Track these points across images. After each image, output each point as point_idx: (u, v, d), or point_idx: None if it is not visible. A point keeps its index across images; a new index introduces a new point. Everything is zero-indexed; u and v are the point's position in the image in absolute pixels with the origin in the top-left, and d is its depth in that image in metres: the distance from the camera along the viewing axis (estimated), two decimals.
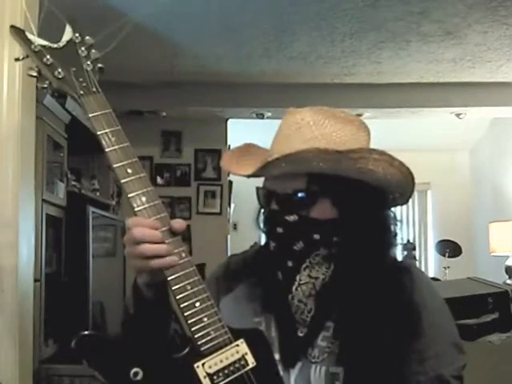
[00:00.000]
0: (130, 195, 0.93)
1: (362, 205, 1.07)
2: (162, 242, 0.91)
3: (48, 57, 0.95)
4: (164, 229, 0.93)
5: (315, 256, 1.07)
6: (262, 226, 1.13)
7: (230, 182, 5.15)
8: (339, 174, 1.04)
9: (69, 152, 3.15)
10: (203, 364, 0.90)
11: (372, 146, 1.12)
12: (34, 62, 0.96)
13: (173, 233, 0.93)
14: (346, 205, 1.07)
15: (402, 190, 1.10)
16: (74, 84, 0.96)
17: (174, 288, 0.91)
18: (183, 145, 5.02)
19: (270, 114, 4.70)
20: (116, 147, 0.94)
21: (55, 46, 0.97)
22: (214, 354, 0.91)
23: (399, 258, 1.19)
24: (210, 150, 5.00)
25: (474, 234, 6.40)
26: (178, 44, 3.67)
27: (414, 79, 4.38)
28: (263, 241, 1.16)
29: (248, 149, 1.18)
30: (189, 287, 0.91)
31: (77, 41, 0.98)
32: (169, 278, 0.91)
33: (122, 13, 2.98)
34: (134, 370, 0.90)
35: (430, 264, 6.80)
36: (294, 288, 1.08)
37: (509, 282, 4.32)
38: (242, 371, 0.92)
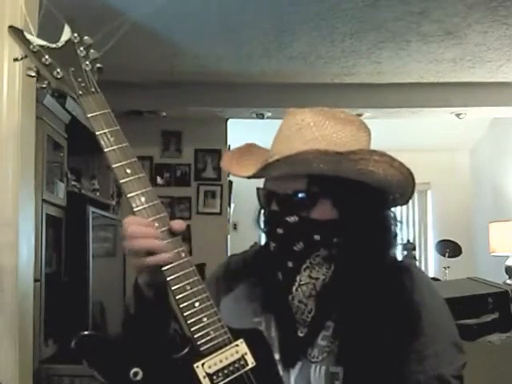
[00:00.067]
0: (129, 195, 0.93)
1: (363, 206, 1.07)
2: (158, 238, 0.91)
3: (47, 57, 0.95)
4: (163, 229, 0.93)
5: (315, 257, 1.07)
6: (262, 226, 1.13)
7: (230, 182, 5.15)
8: (339, 175, 1.04)
9: (69, 152, 3.15)
10: (203, 364, 0.90)
11: (372, 146, 1.12)
12: (33, 62, 0.96)
13: (172, 233, 0.93)
14: (347, 206, 1.07)
15: (403, 190, 1.10)
16: (73, 84, 0.96)
17: (173, 288, 0.91)
18: (183, 145, 5.02)
19: (269, 114, 4.70)
20: (115, 147, 0.94)
21: (54, 46, 0.97)
22: (214, 354, 0.91)
23: (399, 257, 1.19)
24: (209, 150, 5.00)
25: (473, 234, 6.40)
26: (177, 44, 3.67)
27: (414, 79, 4.38)
28: (263, 241, 1.16)
29: (249, 149, 1.18)
30: (188, 287, 0.91)
31: (75, 41, 0.98)
32: (168, 278, 0.91)
33: (121, 12, 2.97)
34: (134, 370, 0.90)
35: (430, 264, 6.81)
36: (294, 288, 1.08)
37: (509, 281, 4.32)
38: (242, 371, 0.92)
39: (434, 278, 4.90)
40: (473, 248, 6.20)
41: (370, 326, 1.01)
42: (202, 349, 0.91)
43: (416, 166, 1.12)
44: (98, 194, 3.74)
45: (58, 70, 0.96)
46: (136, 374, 0.90)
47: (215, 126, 4.93)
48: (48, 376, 2.71)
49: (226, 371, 0.91)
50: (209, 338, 0.91)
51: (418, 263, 6.27)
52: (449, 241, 5.59)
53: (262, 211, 1.14)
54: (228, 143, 4.98)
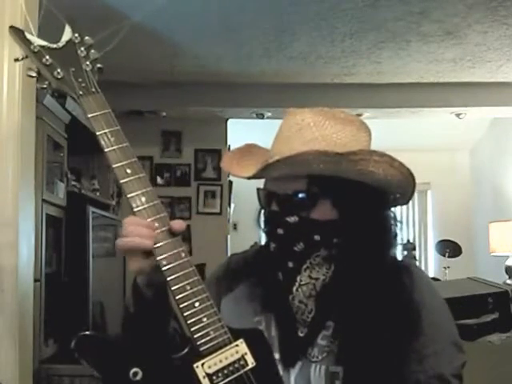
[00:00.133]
0: (129, 195, 0.93)
1: (363, 206, 1.07)
2: (151, 239, 0.91)
3: (47, 57, 0.95)
4: (163, 229, 0.93)
5: (316, 257, 1.07)
6: (262, 226, 1.13)
7: (230, 182, 5.15)
8: (339, 176, 1.04)
9: (69, 152, 3.15)
10: (202, 364, 0.90)
11: (372, 146, 1.12)
12: (34, 63, 0.96)
13: (172, 233, 0.93)
14: (347, 206, 1.07)
15: (403, 190, 1.10)
16: (73, 84, 0.96)
17: (173, 288, 0.91)
18: (183, 145, 5.02)
19: (269, 114, 4.70)
20: (115, 147, 0.94)
21: (54, 46, 0.97)
22: (214, 354, 0.91)
23: (399, 257, 1.19)
24: (209, 150, 5.00)
25: (473, 234, 6.40)
26: (177, 44, 3.67)
27: (414, 79, 4.38)
28: (263, 241, 1.16)
29: (249, 149, 1.18)
30: (188, 287, 0.91)
31: (76, 41, 0.98)
32: (168, 279, 0.91)
33: (122, 13, 2.98)
34: (134, 370, 0.90)
35: (430, 264, 6.81)
36: (294, 289, 1.08)
37: (509, 281, 4.32)
38: (242, 371, 0.92)
39: (434, 278, 4.90)
40: (473, 248, 6.20)
41: (369, 326, 1.02)
42: (201, 349, 0.90)
43: (416, 166, 1.12)
44: (98, 194, 3.74)
45: (59, 70, 0.96)
46: (136, 373, 0.90)
47: (215, 126, 4.93)
48: (48, 376, 2.71)
49: (225, 371, 0.91)
50: (209, 338, 0.91)
51: (417, 263, 6.27)
52: (449, 241, 5.59)
53: (263, 211, 1.14)
54: (228, 143, 4.98)
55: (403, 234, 6.28)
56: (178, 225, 0.94)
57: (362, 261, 1.07)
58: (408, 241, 5.88)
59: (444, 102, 4.52)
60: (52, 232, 2.86)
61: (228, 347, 0.92)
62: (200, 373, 0.90)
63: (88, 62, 0.98)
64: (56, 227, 2.93)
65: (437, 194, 6.80)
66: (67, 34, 0.98)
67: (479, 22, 3.29)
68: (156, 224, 0.92)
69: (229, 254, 1.36)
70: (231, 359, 0.92)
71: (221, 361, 0.91)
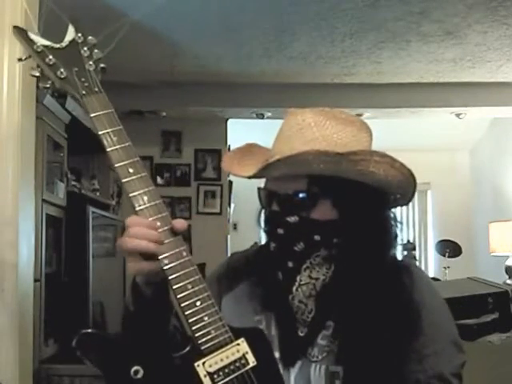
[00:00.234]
0: (131, 195, 0.93)
1: (363, 206, 1.07)
2: (156, 241, 0.91)
3: (50, 57, 0.95)
4: (165, 228, 0.93)
5: (316, 257, 1.08)
6: (263, 226, 1.14)
7: (230, 182, 5.15)
8: (340, 176, 1.04)
9: (69, 152, 3.15)
10: (203, 363, 0.90)
11: (372, 146, 1.12)
12: (37, 62, 0.96)
13: (174, 232, 0.93)
14: (347, 206, 1.07)
15: (403, 191, 1.10)
16: (76, 84, 0.96)
17: (174, 287, 0.91)
18: (183, 145, 5.02)
19: (269, 114, 4.70)
20: (118, 147, 0.94)
21: (58, 46, 0.97)
22: (215, 353, 0.91)
23: (399, 257, 1.20)
24: (209, 150, 5.00)
25: (474, 234, 6.40)
26: (177, 44, 3.67)
27: (414, 79, 4.38)
28: (264, 241, 1.17)
29: (249, 149, 1.18)
30: (189, 286, 0.91)
31: (79, 41, 0.98)
32: (169, 277, 0.91)
33: (123, 13, 2.98)
34: (135, 368, 0.90)
35: (430, 264, 6.81)
36: (294, 288, 1.08)
37: (509, 281, 4.32)
38: (243, 370, 0.92)
39: (434, 278, 4.90)
40: (473, 248, 6.20)
41: (369, 326, 1.02)
42: (202, 348, 0.91)
43: (416, 166, 1.12)
44: (98, 194, 3.74)
45: (62, 69, 0.96)
46: (137, 372, 0.90)
47: (215, 126, 4.94)
48: (48, 376, 2.71)
49: (226, 370, 0.91)
50: (210, 336, 0.91)
51: (417, 263, 6.27)
52: (449, 241, 5.60)
53: (263, 211, 1.14)
54: (228, 143, 4.98)
55: (403, 234, 6.28)
56: (180, 224, 0.94)
57: (362, 261, 1.07)
58: (408, 241, 5.88)
59: (444, 101, 4.52)
60: (52, 232, 2.86)
61: (229, 346, 0.92)
62: (201, 371, 0.90)
63: (91, 62, 0.98)
64: (56, 227, 2.92)
65: (437, 194, 6.80)
66: (70, 33, 0.98)
67: (479, 22, 3.29)
68: (158, 223, 0.92)
69: (229, 254, 1.36)
70: (232, 358, 0.92)
71: (222, 360, 0.91)
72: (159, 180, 4.92)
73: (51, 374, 2.72)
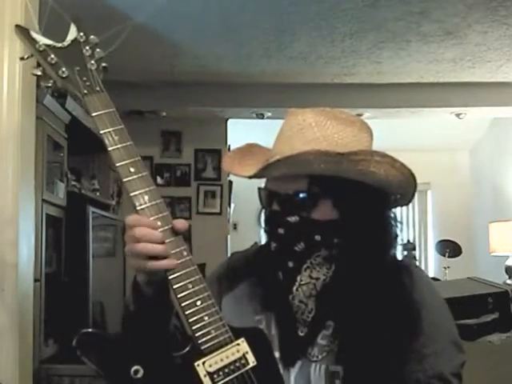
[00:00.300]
0: (132, 194, 0.93)
1: (363, 206, 1.07)
2: (162, 243, 0.91)
3: (52, 56, 0.95)
4: (166, 228, 0.93)
5: (316, 257, 1.08)
6: (263, 225, 1.14)
7: (230, 182, 5.15)
8: (340, 176, 1.04)
9: (69, 152, 3.15)
10: (204, 363, 0.91)
11: (372, 146, 1.12)
12: (39, 61, 0.96)
13: (174, 232, 0.93)
14: (347, 206, 1.07)
15: (404, 191, 1.10)
16: (78, 83, 0.96)
17: (174, 287, 0.91)
18: (183, 145, 5.02)
19: (270, 114, 4.70)
20: (119, 146, 0.94)
21: (60, 45, 0.97)
22: (215, 353, 0.91)
23: (399, 257, 1.20)
24: (209, 150, 5.00)
25: (474, 234, 6.40)
26: (177, 44, 3.67)
27: (414, 79, 4.38)
28: (264, 241, 1.17)
29: (250, 149, 1.18)
30: (190, 286, 0.91)
31: (81, 40, 0.98)
32: (170, 277, 0.91)
33: (124, 13, 2.98)
34: (135, 367, 0.90)
35: (430, 264, 6.81)
36: (294, 288, 1.08)
37: (509, 281, 4.32)
38: (243, 370, 0.93)
39: (434, 278, 4.90)
40: (473, 248, 6.20)
41: (369, 326, 1.02)
42: (202, 347, 0.91)
43: (416, 166, 1.12)
44: (98, 194, 3.74)
45: (64, 69, 0.96)
46: (137, 371, 0.90)
47: (215, 126, 4.93)
48: (48, 376, 2.71)
49: (226, 370, 0.91)
50: (210, 336, 0.91)
51: (417, 263, 6.27)
52: (449, 241, 5.59)
53: (264, 211, 1.14)
54: (228, 143, 4.98)
55: (403, 234, 6.28)
56: (181, 224, 0.94)
57: (363, 261, 1.07)
58: (408, 241, 5.88)
59: (444, 102, 4.52)
60: (52, 232, 2.86)
61: (229, 346, 0.93)
62: (201, 371, 0.90)
63: (93, 61, 0.98)
64: (56, 227, 2.92)
65: (437, 194, 6.80)
66: (72, 32, 0.98)
67: (479, 21, 3.29)
68: (159, 223, 0.92)
69: (229, 254, 1.36)
70: (232, 358, 0.92)
71: (222, 359, 0.91)
72: (159, 180, 4.91)
73: (51, 373, 2.72)
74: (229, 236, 5.22)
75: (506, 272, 4.52)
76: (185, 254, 0.93)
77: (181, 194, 4.95)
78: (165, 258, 0.91)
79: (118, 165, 0.93)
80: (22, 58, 0.99)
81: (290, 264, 1.08)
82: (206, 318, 0.91)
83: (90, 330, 0.93)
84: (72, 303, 2.94)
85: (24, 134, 1.84)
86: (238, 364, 0.92)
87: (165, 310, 0.99)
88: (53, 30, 1.01)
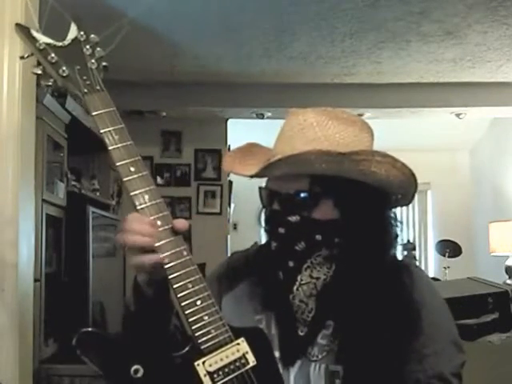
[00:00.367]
0: (132, 193, 0.93)
1: (364, 206, 1.08)
2: (150, 236, 0.91)
3: (53, 55, 0.95)
4: (166, 227, 0.93)
5: (317, 256, 1.08)
6: (264, 225, 1.14)
7: (230, 182, 5.15)
8: (341, 176, 1.04)
9: (69, 152, 3.15)
10: (203, 362, 0.90)
11: (373, 146, 1.12)
12: (39, 60, 0.96)
13: (175, 232, 0.93)
14: (348, 206, 1.07)
15: (404, 190, 1.10)
16: (78, 82, 0.96)
17: (174, 286, 0.91)
18: (183, 145, 5.02)
19: (270, 114, 4.70)
20: (119, 145, 0.94)
21: (60, 44, 0.97)
22: (215, 353, 0.91)
23: (399, 257, 1.20)
24: (210, 150, 5.00)
25: (474, 234, 6.40)
26: (177, 44, 3.67)
27: (414, 79, 4.38)
28: (264, 240, 1.17)
29: (250, 148, 1.18)
30: (190, 285, 0.91)
31: (81, 39, 0.98)
32: (170, 277, 0.91)
33: (124, 12, 2.98)
34: (135, 367, 0.90)
35: (430, 264, 6.81)
36: (294, 288, 1.08)
37: (509, 281, 4.32)
38: (243, 370, 0.93)
39: (434, 278, 4.90)
40: (473, 248, 6.20)
41: (369, 325, 1.02)
42: (202, 347, 0.91)
43: (416, 166, 1.12)
44: (98, 194, 3.74)
45: (64, 68, 0.96)
46: (137, 371, 0.90)
47: (215, 126, 4.93)
48: (48, 376, 2.71)
49: (226, 370, 0.91)
50: (210, 336, 0.91)
51: (417, 263, 6.26)
52: (449, 241, 5.59)
53: (264, 210, 1.14)
54: (228, 143, 4.98)
55: (403, 234, 6.28)
56: (181, 224, 0.94)
57: (363, 261, 1.07)
58: (408, 241, 5.87)
59: (444, 102, 4.52)
60: (52, 232, 2.86)
61: (229, 346, 0.93)
62: (201, 371, 0.90)
63: (93, 60, 0.98)
64: (56, 227, 2.92)
65: (437, 194, 6.80)
66: (73, 31, 0.98)
67: (479, 21, 3.29)
68: (159, 222, 0.93)
69: (229, 254, 1.36)
70: (232, 358, 0.92)
71: (222, 359, 0.91)
72: (159, 180, 4.91)
73: (51, 373, 2.72)
74: (229, 236, 5.22)
75: (506, 272, 4.52)
76: (185, 253, 0.93)
77: (181, 193, 4.95)
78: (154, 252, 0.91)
79: (118, 164, 0.93)
80: (22, 57, 0.99)
81: (291, 263, 1.08)
82: (206, 317, 0.91)
83: (89, 329, 0.93)
84: (72, 303, 2.94)
85: (24, 133, 1.84)
86: (237, 364, 0.92)
87: (165, 310, 0.99)
88: (53, 29, 1.00)
